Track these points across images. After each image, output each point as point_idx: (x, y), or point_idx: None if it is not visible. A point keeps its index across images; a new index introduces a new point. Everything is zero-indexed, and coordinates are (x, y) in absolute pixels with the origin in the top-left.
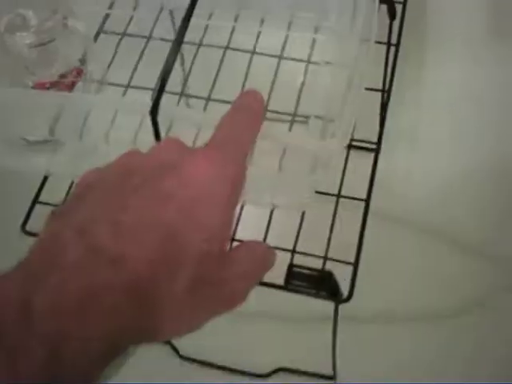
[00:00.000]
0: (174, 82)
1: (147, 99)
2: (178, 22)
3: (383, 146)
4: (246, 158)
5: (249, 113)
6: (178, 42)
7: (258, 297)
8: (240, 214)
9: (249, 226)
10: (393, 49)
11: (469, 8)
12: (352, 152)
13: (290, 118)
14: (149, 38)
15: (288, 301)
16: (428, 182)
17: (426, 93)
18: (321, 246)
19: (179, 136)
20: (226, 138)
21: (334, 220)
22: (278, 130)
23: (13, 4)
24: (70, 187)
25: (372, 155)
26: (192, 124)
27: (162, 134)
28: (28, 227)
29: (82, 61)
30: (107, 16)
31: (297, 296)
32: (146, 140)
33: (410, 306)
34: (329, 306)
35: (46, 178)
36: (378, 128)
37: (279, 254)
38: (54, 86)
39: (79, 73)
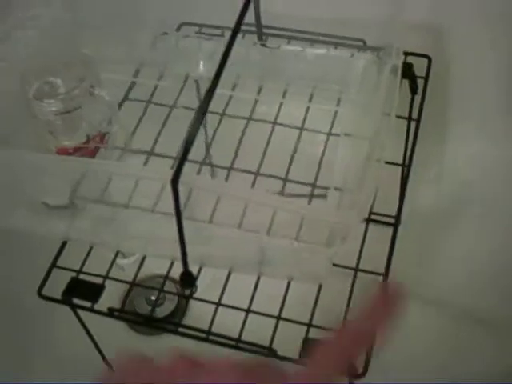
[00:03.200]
0: (197, 151)
1: (168, 168)
2: (203, 92)
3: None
4: None
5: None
6: (202, 111)
7: None
8: (256, 285)
9: (265, 298)
10: (413, 123)
11: (491, 84)
12: (371, 225)
13: (309, 188)
14: (172, 106)
15: None
16: (448, 257)
17: (446, 168)
18: (338, 320)
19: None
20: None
21: (351, 294)
22: (296, 202)
23: (43, 72)
24: (88, 253)
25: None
26: (212, 194)
27: (182, 201)
28: (44, 291)
29: (107, 128)
30: (133, 84)
31: None
32: (166, 208)
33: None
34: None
35: (64, 243)
36: (397, 203)
37: (295, 327)
38: (77, 151)
39: (102, 139)
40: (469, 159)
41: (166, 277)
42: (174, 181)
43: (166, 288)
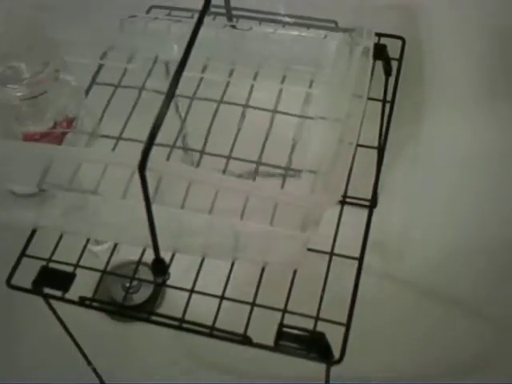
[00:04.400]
0: (169, 135)
1: (136, 153)
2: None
3: (379, 203)
4: None
5: None
6: (170, 95)
7: (246, 356)
8: (231, 270)
9: (240, 284)
10: (388, 106)
11: (464, 66)
12: (347, 209)
13: (282, 171)
14: (141, 89)
15: (278, 361)
16: (424, 240)
17: (422, 150)
18: (312, 305)
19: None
20: None
21: (326, 279)
22: (268, 187)
23: (6, 57)
24: (58, 241)
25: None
26: (182, 179)
27: (152, 187)
28: (14, 281)
29: (74, 112)
30: (100, 67)
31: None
32: (137, 193)
33: (405, 367)
34: (320, 366)
35: (34, 231)
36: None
37: (270, 313)
38: (43, 137)
39: (69, 124)
40: (443, 141)
41: (139, 263)
42: (141, 167)
43: (141, 274)
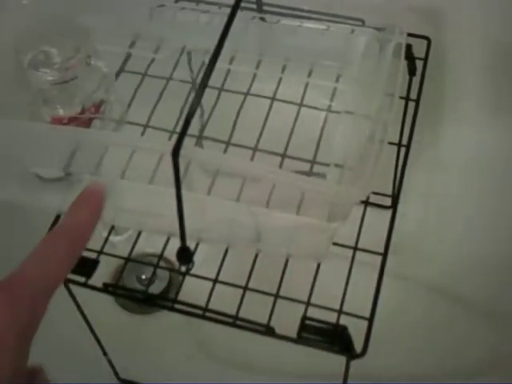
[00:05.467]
0: (193, 126)
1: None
2: (196, 64)
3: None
4: (47, 297)
5: (70, 238)
6: (203, 84)
7: (262, 352)
8: (254, 262)
9: (263, 276)
10: (412, 104)
11: (486, 71)
12: (368, 208)
13: (308, 165)
14: (169, 79)
15: (293, 358)
16: (439, 242)
17: (442, 151)
18: (336, 299)
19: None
20: (28, 274)
21: (349, 273)
22: (297, 176)
23: (38, 41)
24: None
25: (387, 211)
26: (210, 166)
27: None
28: None
29: (102, 99)
30: (129, 56)
31: (308, 350)
32: (162, 183)
33: (413, 368)
34: (340, 362)
35: (58, 216)
36: (391, 183)
37: (293, 306)
38: (71, 121)
39: (97, 110)
40: (465, 142)
41: (162, 254)
42: (175, 152)
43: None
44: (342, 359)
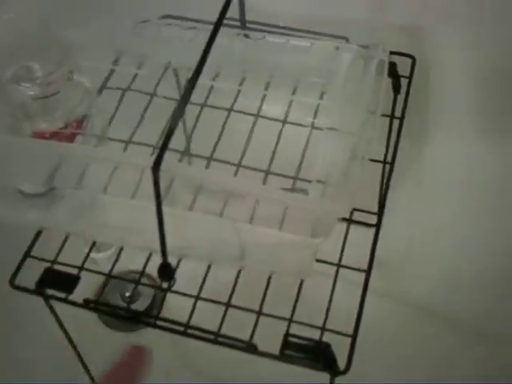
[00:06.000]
0: (176, 142)
1: (148, 155)
2: (182, 81)
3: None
4: None
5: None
6: (185, 100)
7: (251, 365)
8: (237, 279)
9: (244, 293)
10: (396, 122)
11: (470, 86)
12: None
13: (291, 182)
14: (152, 95)
15: (280, 372)
16: (425, 259)
17: (426, 169)
18: (319, 316)
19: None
20: None
21: (333, 290)
22: (280, 191)
23: (19, 56)
24: (63, 243)
25: (372, 229)
26: (193, 182)
27: (161, 191)
28: (18, 282)
29: (84, 114)
30: (112, 72)
31: (293, 367)
32: (145, 197)
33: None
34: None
35: (39, 232)
36: (376, 199)
37: (276, 322)
38: (53, 136)
39: (79, 125)
40: (447, 161)
41: (143, 271)
42: (156, 167)
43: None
44: (327, 375)
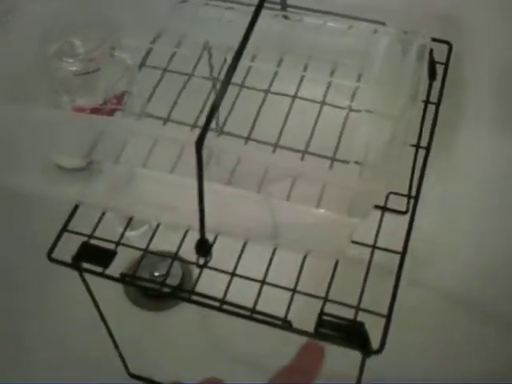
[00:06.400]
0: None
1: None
2: (217, 61)
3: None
4: None
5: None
6: (228, 80)
7: (280, 349)
8: (271, 258)
9: (282, 272)
10: (431, 108)
11: (505, 77)
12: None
13: (328, 162)
14: (190, 75)
15: None
16: (452, 248)
17: (457, 158)
18: (353, 296)
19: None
20: None
21: (368, 270)
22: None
23: (63, 32)
24: (100, 218)
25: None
26: (232, 158)
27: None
28: (54, 255)
29: (124, 91)
30: (150, 50)
31: None
32: (183, 173)
33: (430, 375)
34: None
35: (76, 207)
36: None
37: (311, 301)
38: (93, 112)
39: (119, 101)
40: (478, 147)
41: (180, 246)
42: (199, 143)
43: (171, 267)
44: (355, 360)
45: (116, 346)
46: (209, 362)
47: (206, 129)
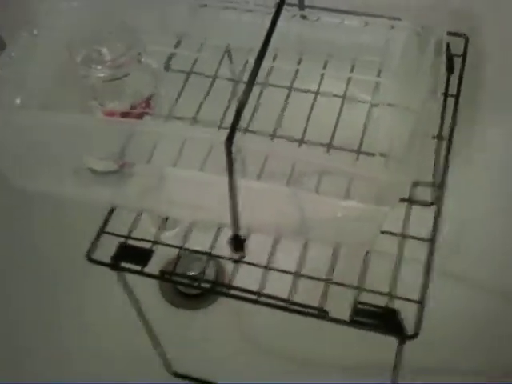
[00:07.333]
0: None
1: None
2: (237, 62)
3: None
4: None
5: None
6: (252, 80)
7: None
8: (304, 252)
9: (314, 263)
10: (452, 100)
11: None
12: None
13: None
14: (214, 77)
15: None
16: (477, 238)
17: (477, 150)
18: (384, 284)
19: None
20: None
21: (398, 259)
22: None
23: (90, 40)
24: (136, 218)
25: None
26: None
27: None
28: (96, 255)
29: (151, 95)
30: (174, 55)
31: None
32: (213, 172)
33: (471, 360)
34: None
35: (112, 210)
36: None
37: (344, 290)
38: (123, 116)
39: (147, 105)
40: (500, 138)
41: (215, 242)
42: (229, 140)
43: (201, 266)
44: (389, 350)
45: (157, 345)
46: (245, 358)
47: (234, 127)
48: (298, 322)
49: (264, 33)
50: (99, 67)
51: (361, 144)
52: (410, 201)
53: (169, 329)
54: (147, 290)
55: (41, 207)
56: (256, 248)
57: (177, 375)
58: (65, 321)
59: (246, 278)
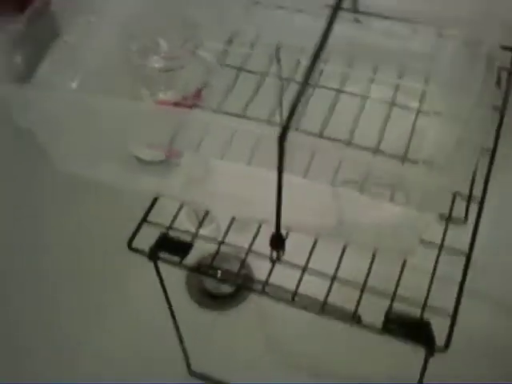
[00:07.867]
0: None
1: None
2: (286, 62)
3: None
4: None
5: None
6: (306, 80)
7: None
8: (342, 255)
9: (349, 268)
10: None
11: None
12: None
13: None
14: (264, 74)
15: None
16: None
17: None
18: (419, 294)
19: None
20: None
21: (434, 270)
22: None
23: (146, 32)
24: (178, 210)
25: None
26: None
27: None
28: (134, 244)
29: (203, 87)
30: (226, 51)
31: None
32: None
33: (493, 375)
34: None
35: (155, 199)
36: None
37: (378, 298)
38: (175, 106)
39: (199, 97)
40: None
41: (254, 239)
42: (282, 137)
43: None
44: (414, 361)
45: (181, 341)
46: (267, 363)
47: (288, 124)
48: (325, 329)
49: (316, 34)
50: (155, 57)
51: (406, 151)
52: (447, 218)
53: (193, 328)
54: (175, 289)
55: (85, 193)
56: (293, 248)
57: (195, 375)
58: (65, 321)
59: (280, 278)
